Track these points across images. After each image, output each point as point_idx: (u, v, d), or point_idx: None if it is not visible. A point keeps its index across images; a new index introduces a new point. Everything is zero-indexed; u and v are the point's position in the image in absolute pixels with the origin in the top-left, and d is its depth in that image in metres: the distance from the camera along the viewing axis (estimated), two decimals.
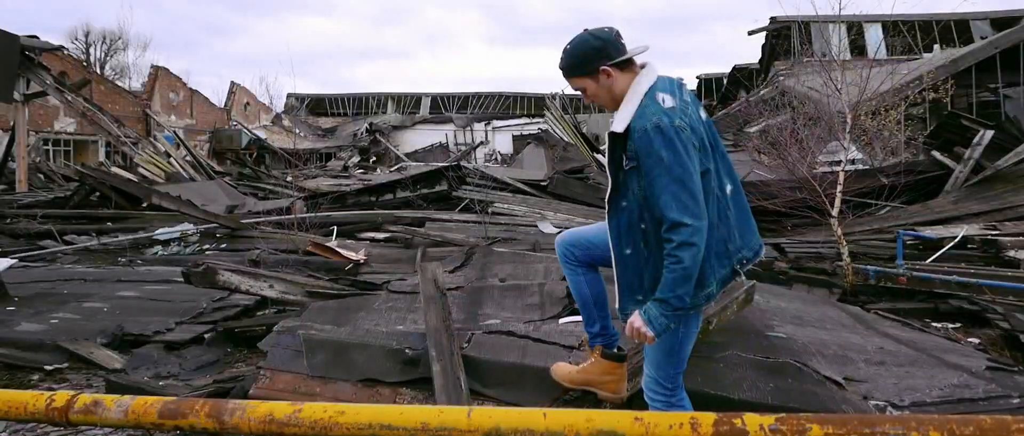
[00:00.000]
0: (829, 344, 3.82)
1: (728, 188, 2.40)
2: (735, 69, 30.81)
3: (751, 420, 1.90)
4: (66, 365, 4.40)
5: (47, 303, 5.58)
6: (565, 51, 2.38)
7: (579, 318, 4.01)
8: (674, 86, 2.37)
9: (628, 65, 2.36)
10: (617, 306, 2.48)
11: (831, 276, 6.54)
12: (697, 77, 39.11)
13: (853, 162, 9.39)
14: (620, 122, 2.28)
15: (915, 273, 5.98)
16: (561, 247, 2.76)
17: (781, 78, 21.50)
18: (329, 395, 2.88)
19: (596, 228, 2.73)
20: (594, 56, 2.32)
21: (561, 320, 3.90)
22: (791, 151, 9.27)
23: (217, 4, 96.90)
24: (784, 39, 25.33)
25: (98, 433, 3.26)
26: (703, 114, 2.41)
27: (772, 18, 25.74)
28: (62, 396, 2.47)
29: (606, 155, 2.38)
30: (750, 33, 26.91)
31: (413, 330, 3.68)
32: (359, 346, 3.13)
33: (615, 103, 2.36)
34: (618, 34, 2.37)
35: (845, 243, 6.40)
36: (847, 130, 6.60)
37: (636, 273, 2.37)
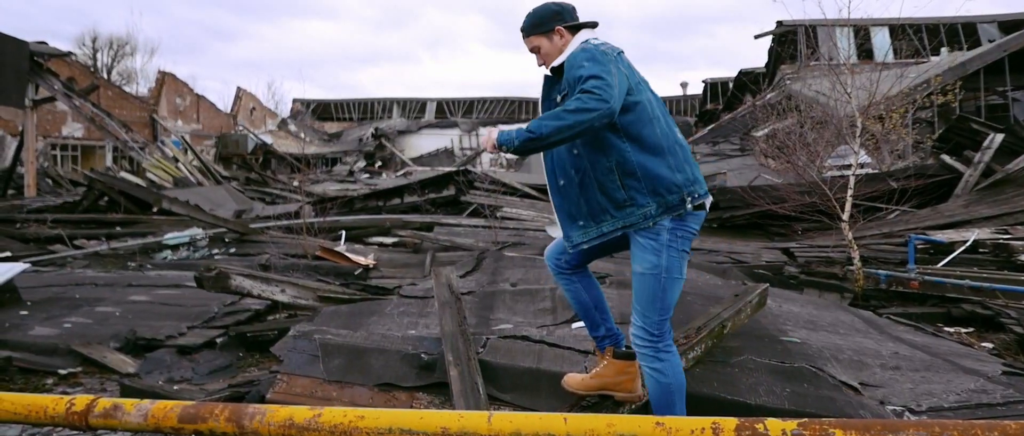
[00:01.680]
0: (843, 349, 3.80)
1: (678, 135, 2.63)
2: (741, 73, 30.77)
3: (773, 425, 1.90)
4: (80, 369, 4.41)
5: (59, 307, 5.60)
6: (528, 14, 2.69)
7: None
8: (606, 42, 2.61)
9: (577, 31, 2.65)
10: (562, 237, 2.69)
11: (842, 280, 6.52)
12: (703, 81, 39.09)
13: (862, 166, 9.36)
14: (556, 63, 2.59)
15: (927, 277, 5.95)
16: (550, 261, 2.85)
17: (788, 82, 21.47)
18: (346, 400, 2.88)
19: None
20: (551, 17, 2.65)
21: (574, 325, 3.90)
22: (799, 155, 9.25)
23: (219, 8, 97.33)
24: (790, 43, 25.28)
25: None
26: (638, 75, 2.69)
27: (778, 22, 25.70)
28: (82, 400, 2.49)
29: (541, 99, 2.69)
30: (756, 37, 26.89)
31: (426, 334, 3.68)
32: (375, 351, 3.13)
33: None
34: (574, 7, 2.70)
35: (856, 247, 6.38)
36: (858, 134, 6.58)
37: (573, 201, 2.59)
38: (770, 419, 1.92)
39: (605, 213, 2.52)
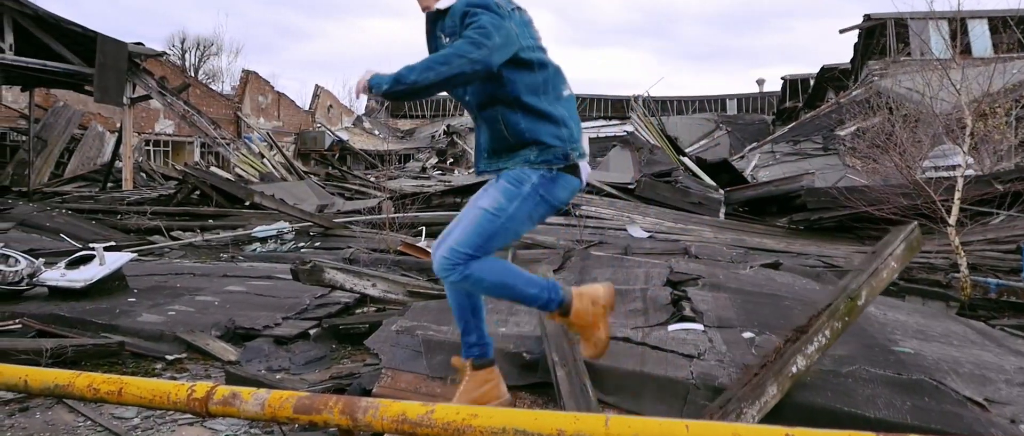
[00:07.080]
0: (962, 362, 3.58)
1: (565, 92, 2.69)
2: (824, 69, 29.63)
3: None
4: (185, 355, 4.60)
5: (162, 296, 5.87)
6: None
7: (691, 326, 3.91)
8: None
9: None
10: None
11: (945, 288, 6.17)
12: (781, 78, 37.85)
13: (969, 167, 8.85)
14: (442, 5, 2.53)
15: None
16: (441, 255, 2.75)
17: (875, 78, 20.53)
18: (450, 396, 2.88)
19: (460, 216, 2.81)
20: None
21: (670, 327, 3.81)
22: (894, 156, 8.82)
23: (287, 8, 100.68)
24: (879, 37, 24.17)
25: (222, 424, 3.37)
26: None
27: (866, 16, 24.61)
28: (202, 388, 2.57)
29: (426, 38, 2.65)
30: (842, 31, 25.77)
31: (518, 332, 3.67)
32: None
33: None
34: None
35: (963, 253, 6.02)
36: (968, 134, 6.20)
37: (487, 134, 2.61)
38: None
39: (507, 151, 2.56)
